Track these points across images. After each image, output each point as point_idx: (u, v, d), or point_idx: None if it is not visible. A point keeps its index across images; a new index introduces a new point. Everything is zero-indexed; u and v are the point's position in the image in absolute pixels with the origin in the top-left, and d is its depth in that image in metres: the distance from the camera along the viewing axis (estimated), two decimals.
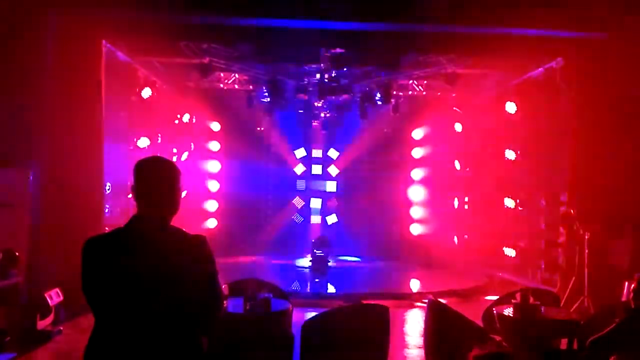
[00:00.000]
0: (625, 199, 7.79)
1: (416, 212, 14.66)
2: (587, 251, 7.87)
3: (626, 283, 7.01)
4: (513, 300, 5.45)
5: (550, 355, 4.45)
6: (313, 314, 4.54)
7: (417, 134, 14.67)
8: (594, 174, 8.11)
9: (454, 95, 12.89)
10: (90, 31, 7.93)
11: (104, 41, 8.42)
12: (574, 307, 7.56)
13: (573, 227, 8.19)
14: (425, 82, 12.21)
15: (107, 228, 8.49)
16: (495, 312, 5.58)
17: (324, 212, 15.55)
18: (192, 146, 13.84)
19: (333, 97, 12.02)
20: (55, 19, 7.27)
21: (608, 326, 3.55)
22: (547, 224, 9.93)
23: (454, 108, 13.63)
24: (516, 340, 5.14)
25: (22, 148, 7.00)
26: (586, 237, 7.89)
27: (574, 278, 8.12)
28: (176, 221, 2.27)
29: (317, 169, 15.65)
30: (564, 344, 5.34)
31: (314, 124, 15.04)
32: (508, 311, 5.43)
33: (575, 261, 8.15)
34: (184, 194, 2.31)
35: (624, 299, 6.93)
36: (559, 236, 9.28)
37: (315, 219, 15.52)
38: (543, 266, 9.94)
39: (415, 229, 14.56)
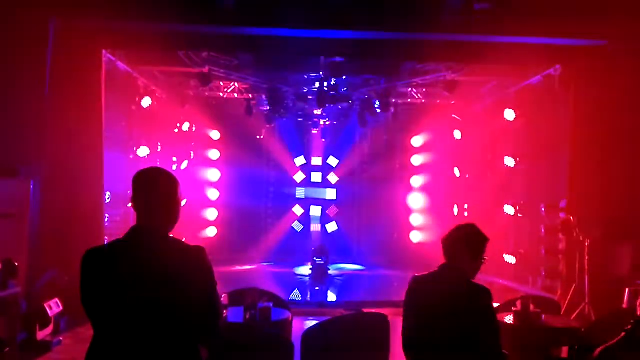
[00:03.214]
0: (625, 205, 7.79)
1: (416, 219, 14.65)
2: (587, 258, 7.86)
3: (627, 290, 7.00)
4: (513, 308, 5.44)
5: None
6: (313, 322, 4.53)
7: (417, 141, 14.70)
8: (594, 181, 8.11)
9: (453, 102, 12.92)
10: (91, 41, 7.96)
11: (104, 51, 8.45)
12: (575, 314, 7.54)
13: (573, 234, 8.19)
14: (424, 89, 12.24)
15: (107, 237, 8.49)
16: None
17: (324, 220, 15.54)
18: (192, 155, 13.88)
19: (332, 105, 12.06)
20: (56, 30, 7.29)
21: (610, 334, 3.53)
22: (547, 231, 9.92)
23: (453, 115, 13.66)
24: (516, 348, 5.12)
25: (22, 158, 7.00)
26: (586, 243, 7.89)
27: (574, 285, 8.10)
28: (176, 230, 2.28)
29: (316, 177, 15.65)
30: (565, 352, 5.32)
31: (313, 132, 15.09)
32: (508, 319, 5.41)
33: (575, 268, 8.13)
34: (183, 203, 2.32)
35: (625, 305, 6.91)
36: (559, 243, 9.27)
37: (315, 227, 15.50)
38: (543, 273, 9.92)
39: (415, 237, 14.55)
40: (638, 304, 3.69)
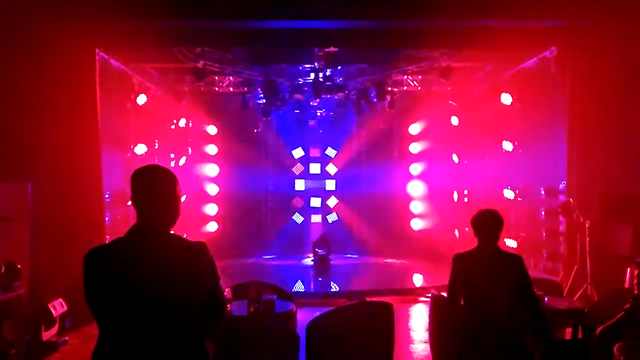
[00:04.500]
0: (624, 185, 7.80)
1: (416, 207, 14.68)
2: (588, 239, 7.89)
3: (628, 269, 7.03)
4: None
5: (554, 345, 4.47)
6: (317, 313, 4.54)
7: (414, 129, 14.68)
8: (592, 162, 8.12)
9: (449, 88, 12.88)
10: (84, 40, 7.92)
11: (97, 49, 8.41)
12: (578, 295, 7.58)
13: (573, 216, 8.21)
14: (419, 76, 12.20)
15: (108, 236, 8.50)
16: None
17: (324, 211, 15.57)
18: (190, 151, 13.85)
19: (328, 96, 12.03)
20: (48, 29, 7.25)
21: (613, 313, 3.56)
22: (547, 214, 9.94)
23: (450, 101, 13.62)
24: None
25: (20, 160, 6.99)
26: (586, 225, 7.91)
27: (576, 266, 8.14)
28: (177, 226, 2.28)
29: (315, 168, 15.65)
30: (568, 333, 5.36)
31: (310, 123, 15.08)
32: None
33: (576, 249, 8.17)
34: (182, 199, 2.32)
35: (626, 285, 6.94)
36: (559, 225, 9.29)
37: (316, 218, 15.53)
38: (545, 256, 9.95)
39: (416, 224, 14.59)
40: (635, 282, 3.72)
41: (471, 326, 3.77)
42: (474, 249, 3.93)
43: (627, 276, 6.97)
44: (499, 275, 3.78)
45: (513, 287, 3.77)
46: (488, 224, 3.89)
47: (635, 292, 3.68)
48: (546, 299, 5.31)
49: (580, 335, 5.05)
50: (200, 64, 10.12)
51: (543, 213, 10.09)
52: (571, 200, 8.32)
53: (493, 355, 3.69)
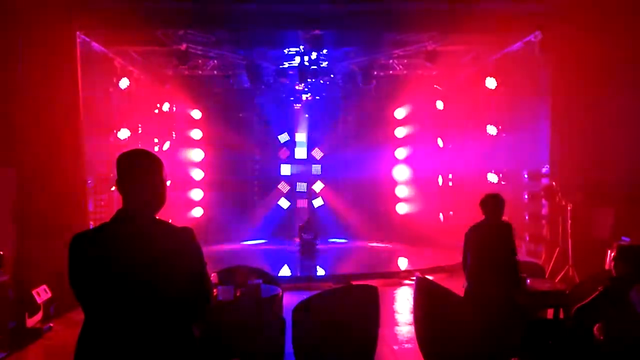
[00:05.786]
0: (606, 168, 7.92)
1: (401, 191, 14.76)
2: (570, 222, 8.01)
3: (609, 251, 7.17)
4: None
5: (535, 324, 4.57)
6: (303, 297, 4.57)
7: (400, 113, 14.70)
8: (575, 146, 8.22)
9: (434, 73, 12.90)
10: (64, 23, 7.75)
11: (78, 32, 8.24)
12: (559, 277, 7.72)
13: (555, 199, 8.32)
14: (405, 60, 12.18)
15: (92, 222, 8.42)
16: None
17: (310, 195, 15.58)
18: (174, 135, 13.72)
19: (314, 80, 11.96)
20: (27, 12, 7.08)
21: (592, 295, 3.65)
22: (530, 197, 10.06)
23: (435, 86, 13.65)
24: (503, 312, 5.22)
25: (1, 146, 6.86)
26: (569, 208, 8.03)
27: (558, 249, 8.28)
28: (161, 211, 2.26)
29: (301, 153, 15.63)
30: (550, 314, 5.46)
31: (296, 107, 14.99)
32: None
33: (559, 232, 8.30)
34: (167, 184, 2.29)
35: (607, 267, 7.09)
36: (542, 208, 9.42)
37: (302, 203, 15.55)
38: (527, 238, 10.09)
39: (401, 208, 14.68)
40: (612, 265, 3.79)
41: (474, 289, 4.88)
42: (482, 220, 5.15)
43: (607, 258, 7.13)
44: (499, 240, 5.04)
45: (507, 247, 5.01)
46: (493, 203, 5.11)
47: (614, 273, 3.76)
48: (528, 280, 5.39)
49: (561, 316, 5.15)
50: (183, 47, 9.97)
51: (526, 196, 10.20)
52: (554, 183, 8.42)
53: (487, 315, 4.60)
